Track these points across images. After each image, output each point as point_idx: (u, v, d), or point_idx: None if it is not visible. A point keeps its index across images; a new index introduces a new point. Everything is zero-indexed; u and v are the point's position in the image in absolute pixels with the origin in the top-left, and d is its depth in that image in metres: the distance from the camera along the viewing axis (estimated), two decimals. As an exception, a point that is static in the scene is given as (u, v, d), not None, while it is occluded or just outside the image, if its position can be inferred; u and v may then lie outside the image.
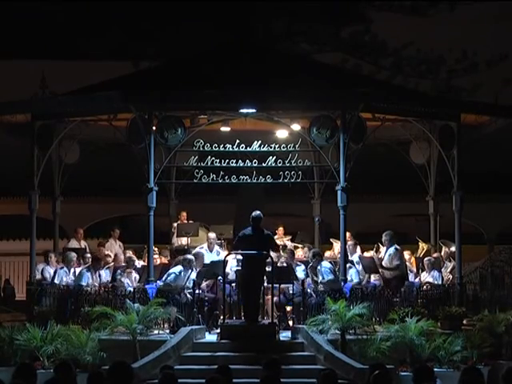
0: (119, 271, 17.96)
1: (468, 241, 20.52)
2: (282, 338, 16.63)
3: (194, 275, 17.32)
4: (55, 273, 18.28)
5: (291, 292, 17.41)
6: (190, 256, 17.97)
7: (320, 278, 17.48)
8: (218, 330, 16.74)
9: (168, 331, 16.79)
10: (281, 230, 19.79)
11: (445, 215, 19.47)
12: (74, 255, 18.60)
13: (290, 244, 19.61)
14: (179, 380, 8.92)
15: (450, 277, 18.79)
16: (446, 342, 15.97)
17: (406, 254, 18.99)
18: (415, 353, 15.58)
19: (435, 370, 10.17)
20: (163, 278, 17.38)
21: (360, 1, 29.62)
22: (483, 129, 20.05)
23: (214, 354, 15.75)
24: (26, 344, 16.03)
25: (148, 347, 15.92)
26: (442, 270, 18.80)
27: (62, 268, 18.38)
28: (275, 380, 8.95)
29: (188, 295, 17.21)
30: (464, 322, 17.52)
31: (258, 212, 17.17)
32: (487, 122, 19.89)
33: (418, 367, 9.88)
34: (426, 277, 18.48)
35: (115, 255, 18.88)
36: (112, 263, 18.56)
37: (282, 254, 18.55)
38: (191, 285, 17.25)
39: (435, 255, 19.19)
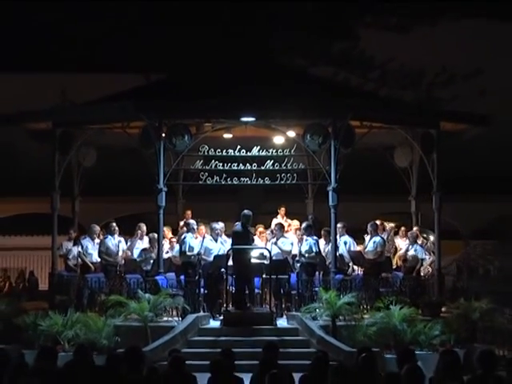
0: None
1: (446, 236, 20.50)
2: (278, 324, 16.66)
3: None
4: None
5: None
6: (191, 221, 18.15)
7: (307, 247, 17.58)
8: (221, 317, 16.81)
9: (176, 318, 16.85)
10: (282, 210, 19.72)
11: (425, 213, 19.48)
12: (98, 228, 18.75)
13: (287, 221, 19.46)
14: (186, 362, 8.94)
15: (430, 269, 18.79)
16: (426, 328, 16.00)
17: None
18: (398, 337, 15.60)
19: (416, 352, 10.13)
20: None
21: (350, 18, 29.62)
22: (460, 135, 20.04)
23: (218, 338, 15.84)
24: (48, 329, 16.06)
25: (158, 332, 15.97)
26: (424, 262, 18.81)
27: (84, 238, 18.45)
28: (273, 362, 8.98)
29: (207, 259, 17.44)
30: (442, 309, 17.54)
31: (247, 211, 17.27)
32: (464, 130, 19.89)
33: (401, 350, 9.90)
34: (410, 249, 18.42)
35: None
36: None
37: (272, 228, 18.48)
38: (204, 250, 17.49)
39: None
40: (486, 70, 28.55)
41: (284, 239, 17.84)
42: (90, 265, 18.33)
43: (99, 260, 18.32)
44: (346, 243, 18.25)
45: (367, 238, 18.50)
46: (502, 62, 29.06)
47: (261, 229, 18.85)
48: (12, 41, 28.99)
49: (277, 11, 27.59)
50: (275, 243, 17.67)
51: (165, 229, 18.38)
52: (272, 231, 18.26)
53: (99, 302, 17.27)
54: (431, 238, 19.09)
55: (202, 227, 18.72)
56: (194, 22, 27.79)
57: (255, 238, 18.01)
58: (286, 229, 18.56)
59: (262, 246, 17.28)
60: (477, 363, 8.46)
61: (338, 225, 18.33)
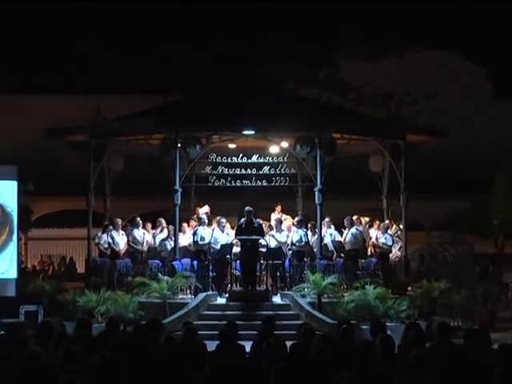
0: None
1: (411, 228, 20.47)
2: (274, 301, 16.63)
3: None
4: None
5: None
6: (202, 216, 18.07)
7: (297, 238, 17.51)
8: (227, 295, 16.77)
9: (189, 296, 16.80)
10: (279, 207, 19.65)
11: (394, 210, 19.42)
12: (119, 220, 18.60)
13: (283, 216, 19.37)
14: (198, 332, 8.89)
15: (399, 254, 18.73)
16: (395, 304, 15.99)
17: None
18: (372, 312, 15.57)
19: (387, 324, 10.12)
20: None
21: (332, 50, 29.66)
22: (423, 146, 20.00)
23: (224, 312, 15.78)
24: (84, 305, 16.06)
25: (174, 307, 15.95)
26: (393, 249, 18.74)
27: (111, 230, 18.28)
28: (270, 332, 8.94)
29: (215, 247, 17.32)
30: (408, 288, 17.54)
31: (249, 207, 17.19)
32: (425, 141, 19.86)
33: (375, 322, 9.88)
34: (380, 237, 18.28)
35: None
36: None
37: (271, 223, 18.38)
38: (213, 240, 17.39)
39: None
40: (442, 93, 28.60)
41: (281, 232, 17.81)
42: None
43: (125, 247, 18.26)
44: (331, 235, 18.19)
45: (345, 230, 18.44)
46: (454, 86, 29.12)
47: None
48: (55, 67, 29.07)
49: (274, 44, 27.61)
50: (273, 235, 17.63)
51: (184, 224, 18.29)
52: (270, 225, 18.21)
53: (126, 283, 17.23)
54: (400, 226, 19.04)
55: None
56: (202, 51, 27.83)
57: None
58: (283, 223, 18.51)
59: (261, 237, 17.16)
60: (436, 333, 8.47)
61: (326, 219, 18.31)
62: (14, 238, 17.82)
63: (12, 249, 17.73)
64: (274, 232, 17.84)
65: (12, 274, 17.67)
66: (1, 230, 17.74)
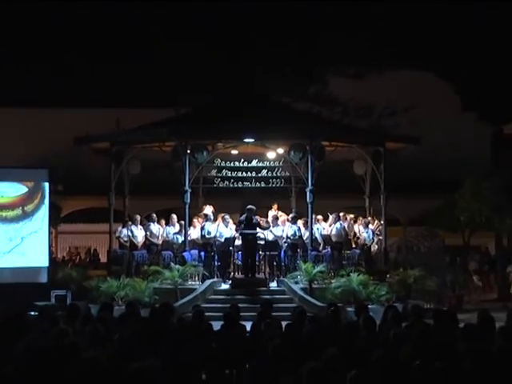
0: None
1: (390, 224, 20.47)
2: (271, 287, 16.64)
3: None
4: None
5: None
6: (209, 213, 18.09)
7: (292, 232, 17.50)
8: (230, 282, 16.78)
9: (198, 282, 16.80)
10: (275, 206, 19.59)
11: (375, 207, 19.41)
12: (138, 216, 18.61)
13: (279, 213, 19.35)
14: (205, 314, 8.91)
15: (376, 247, 18.73)
16: (375, 289, 16.05)
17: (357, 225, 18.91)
18: (356, 296, 15.59)
19: (369, 306, 10.12)
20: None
21: (321, 69, 29.69)
22: (400, 152, 19.98)
23: (228, 297, 15.76)
24: (106, 290, 16.11)
25: (184, 292, 15.97)
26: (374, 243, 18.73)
27: (131, 225, 18.29)
28: (267, 314, 8.96)
29: (220, 240, 17.29)
30: (387, 276, 17.52)
31: (250, 206, 17.17)
32: (402, 148, 19.84)
33: (358, 305, 9.94)
34: (362, 232, 18.27)
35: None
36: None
37: (268, 219, 18.31)
38: (218, 234, 17.38)
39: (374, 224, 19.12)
40: (417, 106, 28.61)
41: (277, 227, 17.80)
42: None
43: (142, 240, 18.23)
44: (317, 229, 18.18)
45: (332, 226, 18.43)
46: (427, 100, 29.14)
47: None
48: (81, 83, 29.11)
49: (272, 65, 27.60)
50: (271, 230, 17.65)
51: (194, 220, 18.26)
52: (267, 221, 18.22)
53: (142, 271, 17.23)
54: (381, 222, 19.07)
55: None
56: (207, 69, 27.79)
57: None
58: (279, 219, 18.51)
59: (260, 231, 17.16)
60: (410, 314, 8.50)
61: (319, 216, 18.32)
62: (46, 201, 17.82)
63: (44, 211, 17.77)
64: (271, 227, 17.83)
65: (44, 262, 17.72)
66: (35, 193, 17.80)
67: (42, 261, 17.71)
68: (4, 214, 17.43)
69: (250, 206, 17.14)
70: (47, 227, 17.94)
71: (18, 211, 17.53)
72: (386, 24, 28.74)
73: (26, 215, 17.58)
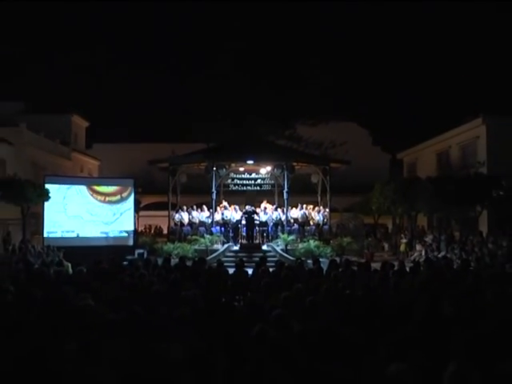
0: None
1: (332, 211, 20.20)
2: (263, 248, 16.51)
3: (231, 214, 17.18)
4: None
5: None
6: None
7: (276, 215, 17.38)
8: (239, 245, 16.66)
9: (220, 245, 16.72)
10: (265, 201, 19.01)
11: (324, 201, 19.25)
12: (184, 207, 18.22)
13: (268, 205, 19.16)
14: (224, 264, 8.91)
15: (325, 225, 18.51)
16: (324, 249, 15.96)
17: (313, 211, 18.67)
18: (313, 253, 15.45)
19: (320, 260, 10.14)
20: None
21: (293, 121, 29.65)
22: (338, 169, 19.94)
23: (237, 254, 15.61)
24: (167, 250, 16.01)
25: (212, 251, 15.86)
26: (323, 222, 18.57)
27: (180, 212, 18.03)
28: (262, 264, 8.96)
29: (232, 220, 17.12)
30: (331, 241, 17.47)
31: (248, 206, 17.05)
32: (340, 166, 19.79)
33: (314, 259, 9.94)
34: (316, 216, 18.03)
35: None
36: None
37: (261, 208, 17.95)
38: (232, 217, 17.19)
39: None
40: (347, 142, 28.64)
41: (266, 213, 17.66)
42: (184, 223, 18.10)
43: (187, 221, 18.10)
44: (290, 214, 17.98)
45: (299, 212, 18.33)
46: (353, 138, 29.20)
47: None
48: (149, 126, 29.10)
49: (263, 117, 27.40)
50: (263, 215, 17.55)
51: (218, 208, 18.00)
52: (262, 209, 18.16)
53: (188, 239, 17.12)
54: (327, 210, 18.98)
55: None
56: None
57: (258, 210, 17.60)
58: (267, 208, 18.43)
59: (256, 217, 17.07)
60: (344, 264, 8.51)
61: (291, 207, 18.13)
62: (132, 196, 17.95)
63: (132, 200, 17.97)
64: (263, 214, 17.77)
65: (131, 232, 17.87)
66: (127, 185, 18.11)
67: (130, 231, 17.91)
68: (111, 198, 17.70)
69: (247, 207, 17.10)
70: (133, 211, 18.10)
71: (118, 197, 17.82)
72: (334, 93, 28.74)
73: (122, 199, 17.85)
